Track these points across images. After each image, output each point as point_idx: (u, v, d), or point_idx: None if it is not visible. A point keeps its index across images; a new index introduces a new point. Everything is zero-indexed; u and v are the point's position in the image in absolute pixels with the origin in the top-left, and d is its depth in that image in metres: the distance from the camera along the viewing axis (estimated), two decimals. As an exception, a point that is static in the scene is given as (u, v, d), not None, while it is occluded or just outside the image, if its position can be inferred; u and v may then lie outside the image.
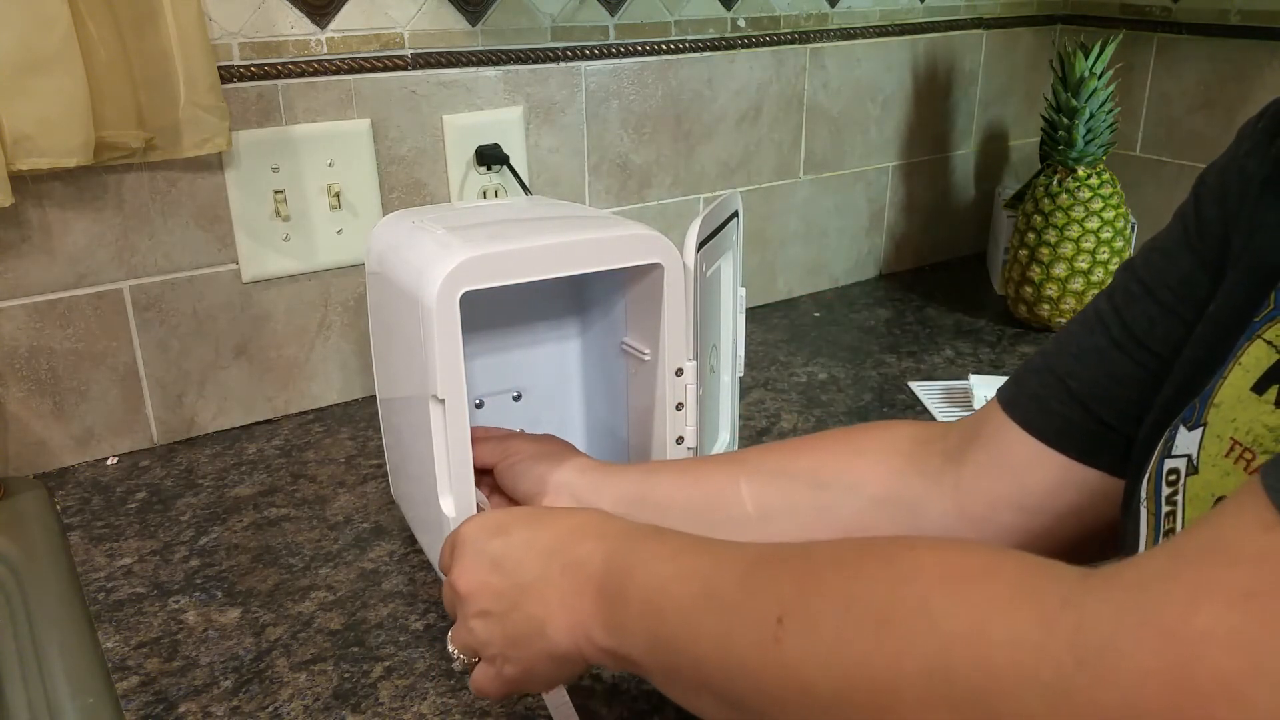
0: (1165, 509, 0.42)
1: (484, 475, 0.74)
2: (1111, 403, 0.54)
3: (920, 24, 1.34)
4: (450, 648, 0.55)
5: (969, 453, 0.59)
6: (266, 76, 0.92)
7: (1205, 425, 0.42)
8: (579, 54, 1.08)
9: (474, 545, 0.53)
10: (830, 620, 0.37)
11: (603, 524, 0.51)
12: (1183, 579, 0.29)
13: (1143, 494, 0.45)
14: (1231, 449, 0.39)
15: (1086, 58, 1.13)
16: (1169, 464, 0.43)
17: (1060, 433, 0.55)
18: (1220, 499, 0.39)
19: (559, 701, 0.55)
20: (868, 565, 0.38)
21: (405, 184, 1.02)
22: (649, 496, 0.66)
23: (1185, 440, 0.43)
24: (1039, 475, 0.56)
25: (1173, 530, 0.42)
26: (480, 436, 0.73)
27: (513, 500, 0.72)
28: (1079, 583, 0.32)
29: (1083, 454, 0.55)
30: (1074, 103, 1.14)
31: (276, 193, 0.95)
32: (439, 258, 0.63)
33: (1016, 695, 0.30)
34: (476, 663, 0.54)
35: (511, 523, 0.54)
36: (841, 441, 0.66)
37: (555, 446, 0.73)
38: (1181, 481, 0.42)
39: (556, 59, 1.07)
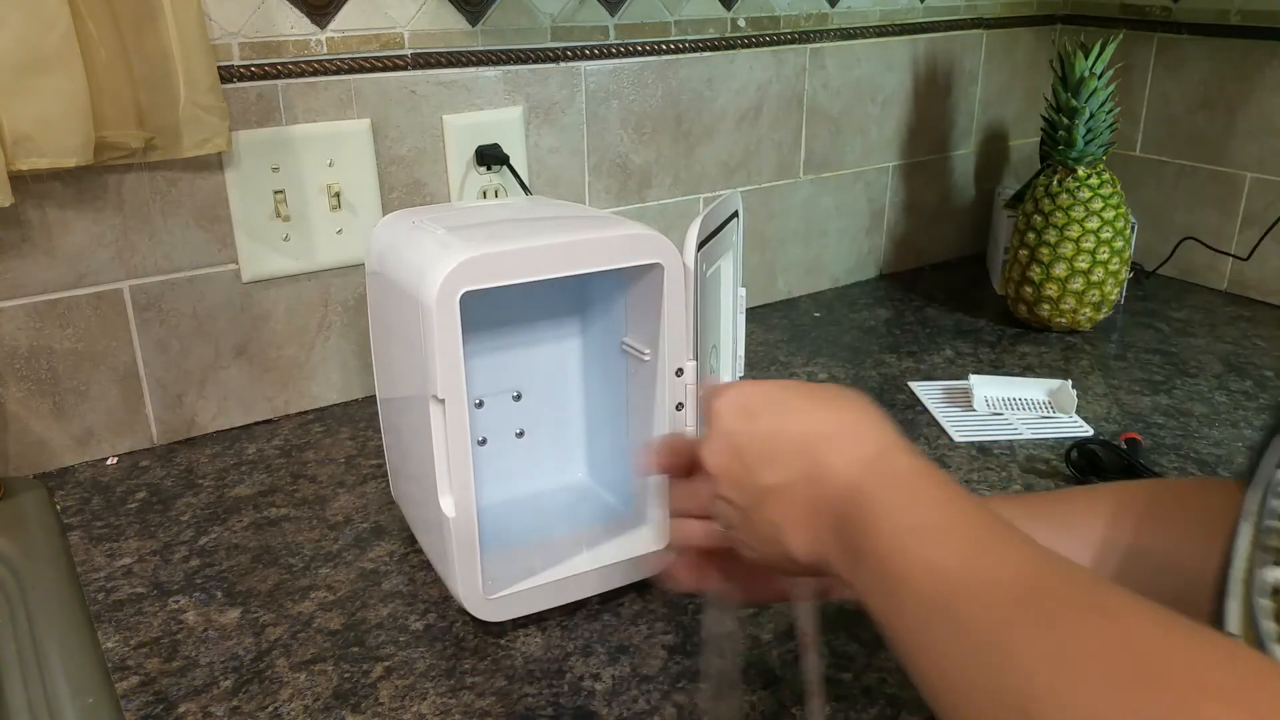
0: (1269, 522, 0.39)
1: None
2: None
3: (920, 24, 1.34)
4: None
5: None
6: (266, 76, 0.92)
7: None
8: (579, 54, 1.08)
9: (721, 423, 0.50)
10: None
11: (858, 433, 0.46)
12: None
13: (1252, 506, 0.41)
14: None
15: (1086, 58, 1.13)
16: None
17: None
18: None
19: (807, 614, 0.53)
20: (1155, 689, 0.31)
21: (405, 184, 1.02)
22: None
23: None
24: None
25: (1271, 550, 0.38)
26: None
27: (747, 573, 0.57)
28: None
29: None
30: (1074, 103, 1.14)
31: (276, 193, 0.95)
32: (439, 258, 0.63)
33: None
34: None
35: (760, 406, 0.49)
36: (1150, 506, 0.56)
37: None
38: None
39: (556, 59, 1.07)
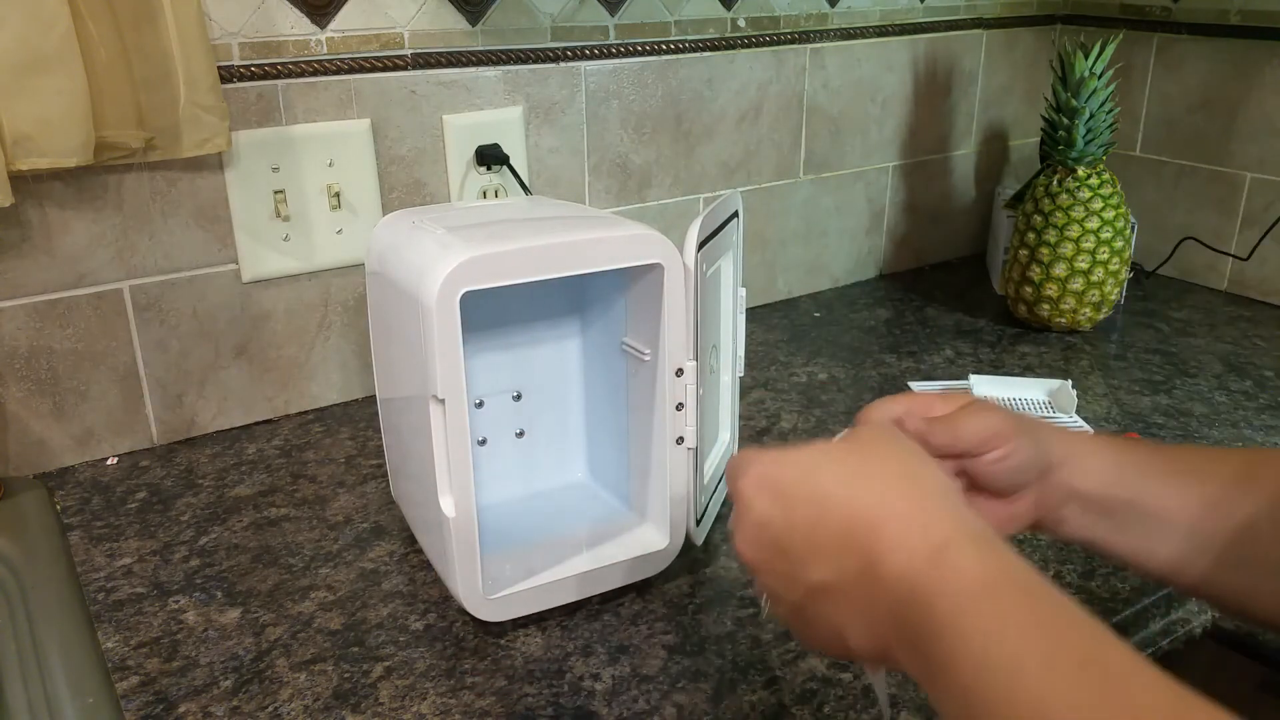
0: None
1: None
2: None
3: (920, 24, 1.34)
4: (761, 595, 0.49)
5: None
6: (266, 76, 0.92)
7: None
8: (579, 54, 1.08)
9: (753, 513, 0.45)
10: None
11: (910, 518, 0.41)
12: None
13: None
14: None
15: (1086, 58, 1.13)
16: None
17: None
18: None
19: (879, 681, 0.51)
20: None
21: (405, 184, 1.02)
22: (1136, 502, 0.52)
23: None
24: None
25: None
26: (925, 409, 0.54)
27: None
28: None
29: None
30: (1074, 103, 1.14)
31: (276, 193, 0.95)
32: (439, 258, 0.63)
33: None
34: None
35: (794, 488, 0.44)
36: None
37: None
38: None
39: (556, 59, 1.07)
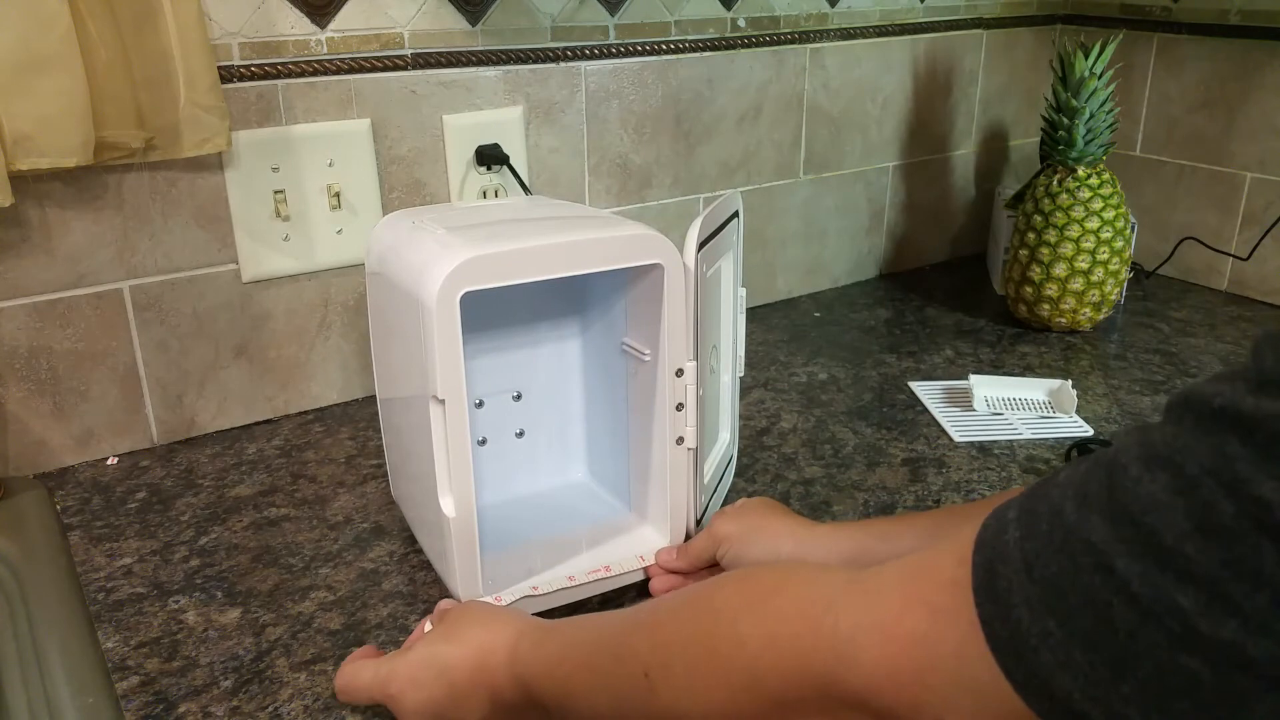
0: None
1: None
2: None
3: (920, 24, 1.34)
4: None
5: None
6: (266, 76, 0.92)
7: None
8: (579, 54, 1.08)
9: (407, 707, 0.58)
10: (679, 663, 0.45)
11: (493, 647, 0.56)
12: (900, 592, 0.39)
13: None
14: None
15: (1086, 58, 1.13)
16: None
17: None
18: None
19: None
20: (693, 608, 0.47)
21: (405, 184, 1.02)
22: (873, 551, 0.64)
23: None
24: None
25: None
26: (695, 540, 0.74)
27: None
28: (841, 590, 0.41)
29: None
30: (1074, 103, 1.14)
31: (276, 193, 0.95)
32: (439, 258, 0.63)
33: (802, 686, 0.40)
34: None
35: (420, 675, 0.58)
36: None
37: (756, 519, 0.71)
38: None
39: (556, 59, 1.07)
